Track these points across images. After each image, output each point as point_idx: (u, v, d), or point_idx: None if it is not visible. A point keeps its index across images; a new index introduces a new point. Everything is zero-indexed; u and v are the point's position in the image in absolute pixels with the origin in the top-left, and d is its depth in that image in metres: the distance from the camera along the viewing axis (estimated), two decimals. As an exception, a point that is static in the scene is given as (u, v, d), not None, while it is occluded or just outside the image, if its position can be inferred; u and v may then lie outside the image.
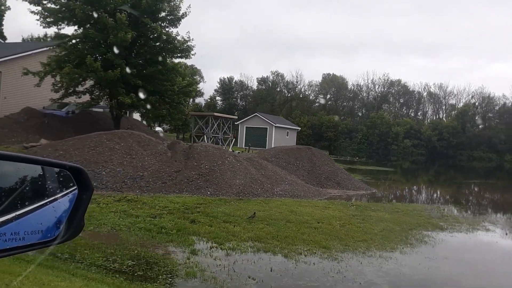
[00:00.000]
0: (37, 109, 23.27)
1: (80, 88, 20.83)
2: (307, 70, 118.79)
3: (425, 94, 79.13)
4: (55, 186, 1.24)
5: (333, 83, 78.82)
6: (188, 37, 21.38)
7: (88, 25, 20.60)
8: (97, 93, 21.40)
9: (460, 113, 69.50)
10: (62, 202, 1.23)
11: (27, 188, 1.17)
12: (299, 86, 78.47)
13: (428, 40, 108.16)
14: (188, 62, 51.27)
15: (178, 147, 15.09)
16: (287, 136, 46.21)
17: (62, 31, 21.05)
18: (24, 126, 20.46)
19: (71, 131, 22.27)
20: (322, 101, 79.28)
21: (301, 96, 75.90)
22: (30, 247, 1.15)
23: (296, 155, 18.00)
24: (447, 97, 77.25)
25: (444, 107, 78.90)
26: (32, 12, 20.18)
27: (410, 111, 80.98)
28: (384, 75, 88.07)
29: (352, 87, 79.96)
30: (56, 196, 1.22)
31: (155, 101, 21.05)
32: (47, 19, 20.37)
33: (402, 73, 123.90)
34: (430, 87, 79.38)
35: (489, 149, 66.81)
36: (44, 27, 20.82)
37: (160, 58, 21.25)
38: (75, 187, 1.26)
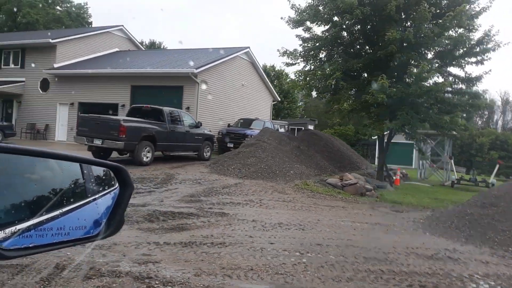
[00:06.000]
0: (270, 128, 17.81)
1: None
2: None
3: (500, 101, 74.55)
4: (98, 184, 1.24)
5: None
6: (489, 31, 14.37)
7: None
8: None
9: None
10: (105, 199, 1.24)
11: (72, 186, 1.18)
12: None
13: None
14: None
15: None
16: (424, 152, 40.76)
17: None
18: (282, 152, 14.97)
19: (318, 156, 16.79)
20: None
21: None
22: (74, 242, 1.16)
23: None
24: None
25: (523, 115, 74.38)
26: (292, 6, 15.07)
27: (479, 119, 76.38)
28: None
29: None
30: (98, 194, 1.23)
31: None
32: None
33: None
34: (510, 95, 74.66)
35: None
36: (292, 28, 15.61)
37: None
38: (117, 185, 1.26)
